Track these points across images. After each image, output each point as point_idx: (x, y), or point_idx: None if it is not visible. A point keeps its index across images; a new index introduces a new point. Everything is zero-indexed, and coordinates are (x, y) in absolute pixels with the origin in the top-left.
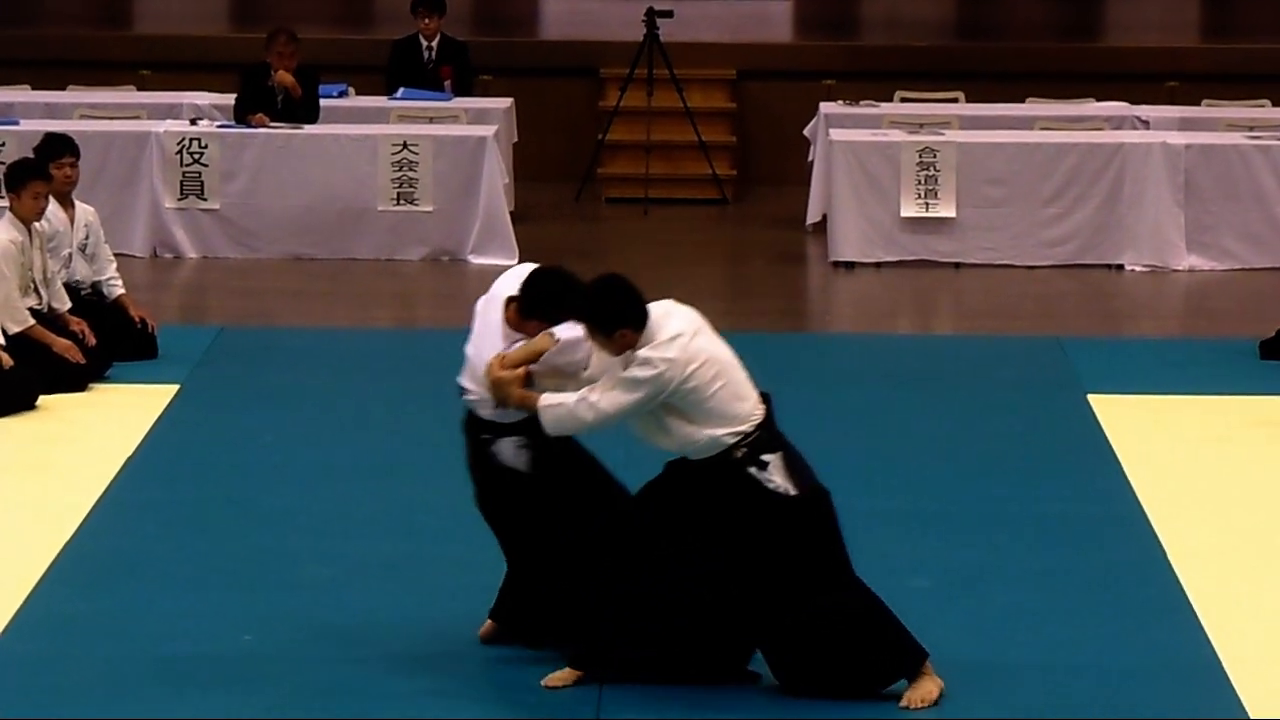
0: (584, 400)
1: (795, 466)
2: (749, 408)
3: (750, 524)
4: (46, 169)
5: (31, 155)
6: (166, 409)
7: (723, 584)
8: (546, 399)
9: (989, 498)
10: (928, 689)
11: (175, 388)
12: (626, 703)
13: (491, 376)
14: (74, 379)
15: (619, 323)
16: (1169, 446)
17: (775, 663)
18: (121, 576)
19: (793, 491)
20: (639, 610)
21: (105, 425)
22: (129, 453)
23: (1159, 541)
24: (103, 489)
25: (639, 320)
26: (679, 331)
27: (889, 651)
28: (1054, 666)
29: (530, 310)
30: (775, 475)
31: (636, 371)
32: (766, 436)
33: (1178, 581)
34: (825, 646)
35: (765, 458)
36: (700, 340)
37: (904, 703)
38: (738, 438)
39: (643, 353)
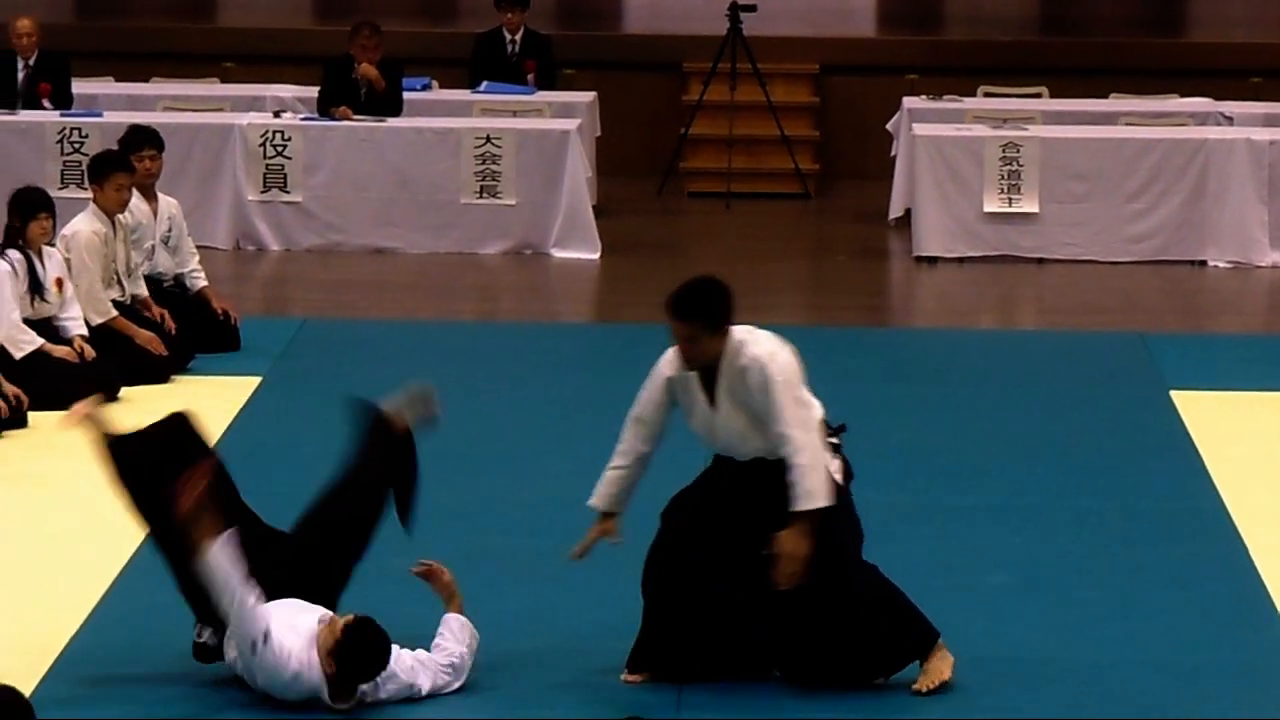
0: (790, 446)
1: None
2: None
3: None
4: (129, 161)
5: (115, 147)
6: (248, 401)
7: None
8: (795, 490)
9: (1070, 493)
10: (939, 669)
11: (257, 380)
12: (705, 703)
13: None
14: (156, 371)
15: (728, 319)
16: (1251, 443)
17: (786, 652)
18: None
19: (839, 480)
20: (698, 610)
21: None
22: (211, 444)
23: (1241, 538)
24: None
25: (733, 315)
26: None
27: (903, 634)
28: (1133, 663)
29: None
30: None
31: (780, 377)
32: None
33: (1260, 579)
34: (844, 632)
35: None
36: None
37: (919, 687)
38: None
39: (770, 364)
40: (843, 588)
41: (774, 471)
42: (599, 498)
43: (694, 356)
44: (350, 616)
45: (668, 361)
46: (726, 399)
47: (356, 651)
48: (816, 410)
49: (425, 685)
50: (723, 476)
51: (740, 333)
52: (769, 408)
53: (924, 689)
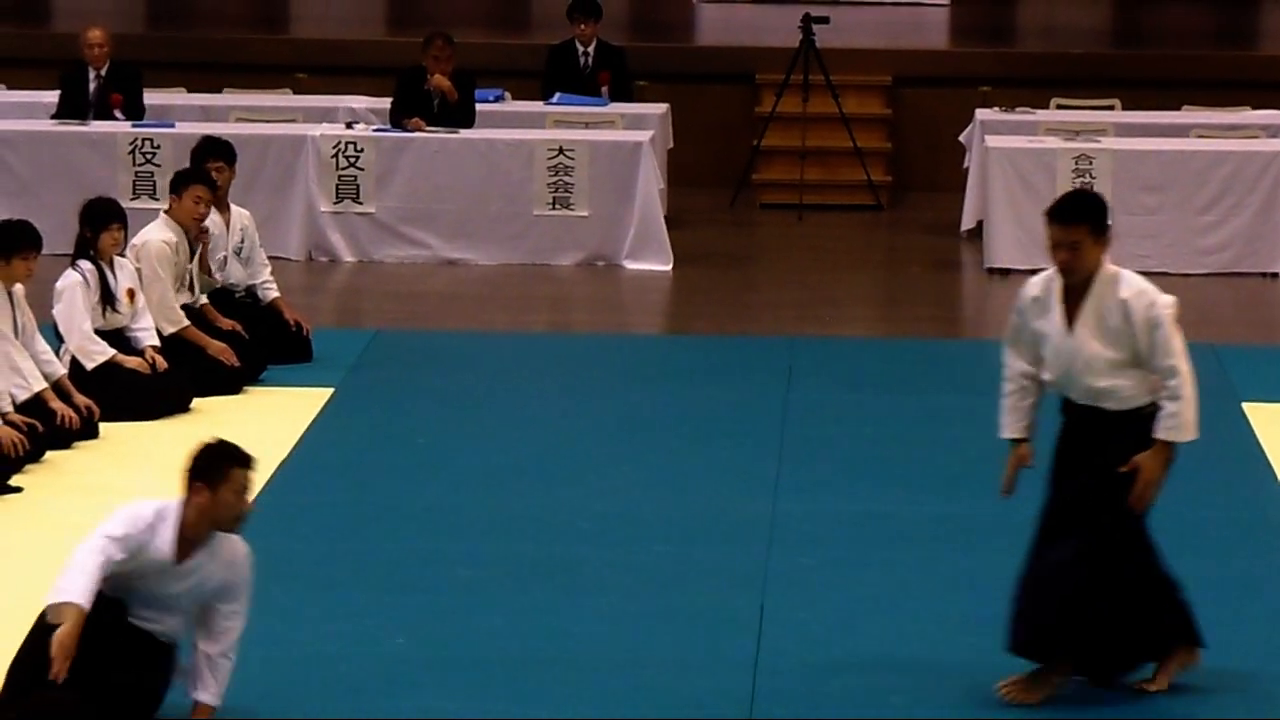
0: (1177, 379)
1: None
2: None
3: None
4: (210, 174)
5: (187, 158)
6: (321, 412)
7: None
8: (1173, 420)
9: None
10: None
11: (330, 391)
12: (780, 703)
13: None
14: (228, 381)
15: (1104, 226)
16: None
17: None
18: (276, 578)
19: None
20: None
21: (260, 428)
22: (284, 455)
23: None
24: (257, 492)
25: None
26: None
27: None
28: (1206, 673)
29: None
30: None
31: (1169, 312)
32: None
33: None
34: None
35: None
36: None
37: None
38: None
39: (1159, 299)
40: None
41: (1111, 423)
42: (1004, 427)
43: (1075, 266)
44: None
45: (1031, 283)
46: (1090, 322)
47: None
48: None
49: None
50: (1068, 453)
51: (1113, 266)
52: (1154, 342)
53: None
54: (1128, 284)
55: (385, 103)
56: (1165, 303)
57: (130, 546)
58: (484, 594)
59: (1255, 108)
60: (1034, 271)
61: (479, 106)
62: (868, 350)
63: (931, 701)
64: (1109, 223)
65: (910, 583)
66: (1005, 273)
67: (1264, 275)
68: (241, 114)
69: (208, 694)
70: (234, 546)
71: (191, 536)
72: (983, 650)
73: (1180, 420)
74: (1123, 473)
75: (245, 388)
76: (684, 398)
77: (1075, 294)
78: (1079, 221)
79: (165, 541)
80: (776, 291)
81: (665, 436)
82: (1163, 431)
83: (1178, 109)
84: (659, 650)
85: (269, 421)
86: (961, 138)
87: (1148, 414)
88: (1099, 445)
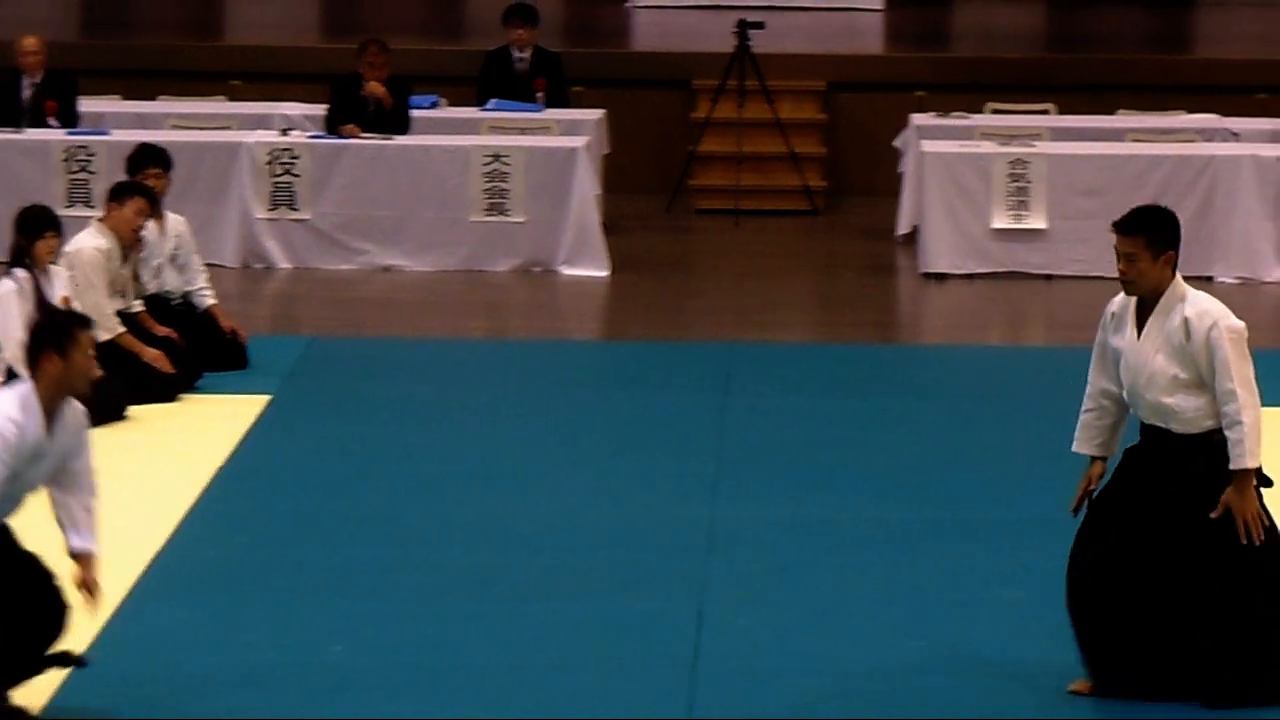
0: (1235, 404)
1: None
2: None
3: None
4: (149, 187)
5: (122, 166)
6: (257, 420)
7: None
8: (1238, 448)
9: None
10: None
11: (266, 398)
12: (719, 708)
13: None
14: (163, 389)
15: (1169, 247)
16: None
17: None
18: (213, 587)
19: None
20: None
21: (196, 436)
22: (220, 463)
23: None
24: (193, 500)
25: (1177, 258)
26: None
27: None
28: None
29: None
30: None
31: (1232, 336)
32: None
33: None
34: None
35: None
36: None
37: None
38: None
39: (1223, 321)
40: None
41: (1175, 445)
42: (1078, 442)
43: (1130, 277)
44: None
45: (1113, 300)
46: (1156, 337)
47: None
48: (1248, 368)
49: None
50: (1133, 467)
51: (1187, 286)
52: (1215, 364)
53: None
54: (1193, 303)
55: (320, 109)
56: (1229, 325)
57: (16, 449)
58: (422, 601)
59: (1190, 111)
60: (969, 277)
61: (414, 113)
62: (804, 355)
63: (871, 706)
64: (1173, 241)
65: (849, 587)
66: (941, 277)
67: (1199, 279)
68: (177, 121)
69: (87, 542)
70: (74, 406)
71: (51, 409)
72: (921, 654)
73: (1243, 448)
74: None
75: (181, 395)
76: (621, 404)
77: (1146, 309)
78: (1134, 233)
79: (36, 424)
80: (713, 297)
81: (603, 442)
82: (1231, 462)
83: (1113, 113)
84: (597, 656)
85: (205, 429)
86: (897, 142)
87: (1217, 440)
88: (1168, 473)
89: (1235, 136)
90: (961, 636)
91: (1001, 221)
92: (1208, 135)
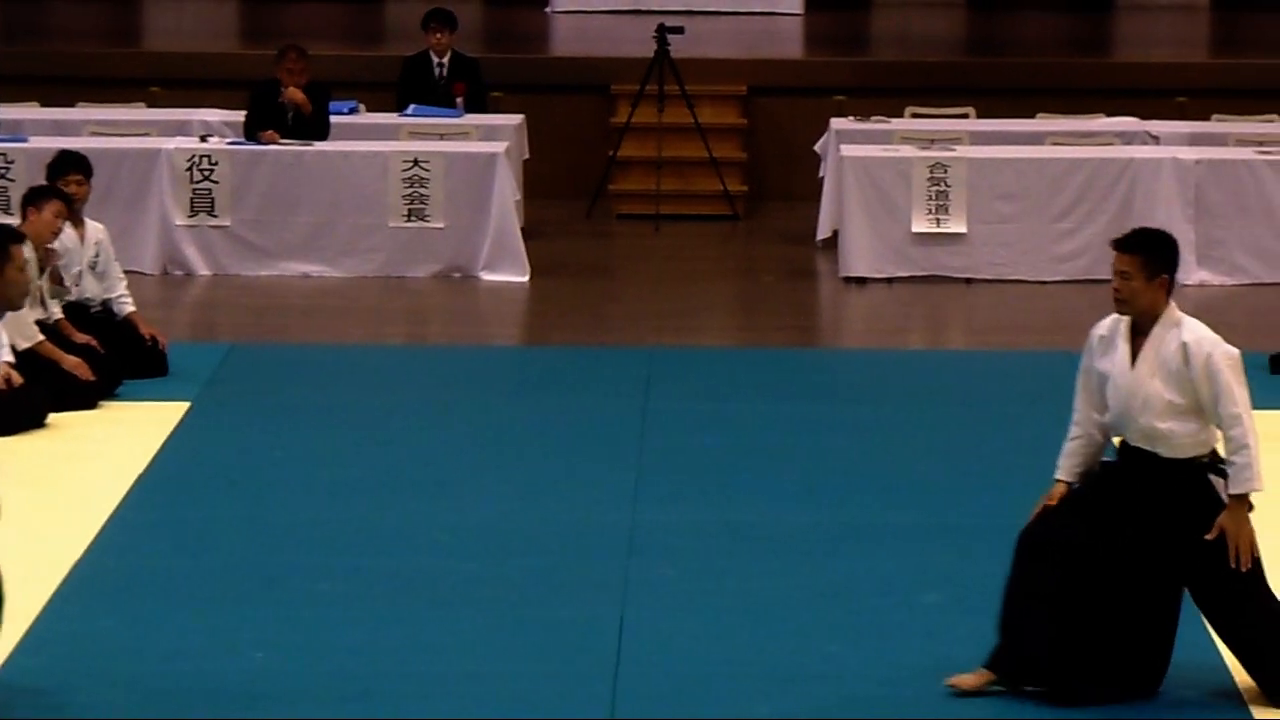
0: (1241, 428)
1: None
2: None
3: (1203, 529)
4: (65, 191)
5: (41, 172)
6: (177, 426)
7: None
8: (1245, 471)
9: (1000, 512)
10: None
11: (186, 405)
12: (641, 715)
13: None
14: (84, 396)
15: (1165, 269)
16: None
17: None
18: (132, 594)
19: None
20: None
21: (115, 443)
22: (139, 470)
23: None
24: (113, 507)
25: (1175, 275)
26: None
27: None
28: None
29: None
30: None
31: (1230, 361)
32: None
33: (1185, 592)
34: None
35: (1221, 466)
36: None
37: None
38: (1210, 450)
39: (1220, 347)
40: (1245, 609)
41: (1160, 470)
42: (1062, 470)
43: (1124, 296)
44: None
45: (1101, 324)
46: (1151, 361)
47: None
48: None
49: None
50: (1109, 483)
51: (1181, 313)
52: (1216, 390)
53: None
54: (1189, 329)
55: (239, 116)
56: (1225, 352)
57: None
58: (343, 608)
59: (1109, 115)
60: (889, 281)
61: (333, 119)
62: (725, 360)
63: (794, 710)
64: (1170, 265)
65: (771, 592)
66: (861, 281)
67: None
68: (95, 128)
69: None
70: None
71: None
72: (844, 659)
73: (1251, 471)
74: (1210, 540)
75: (101, 403)
76: (542, 409)
77: (1139, 333)
78: (1132, 252)
79: None
80: (634, 302)
81: (523, 448)
82: (1236, 485)
83: (1032, 117)
84: (519, 663)
85: (125, 436)
86: (817, 147)
87: (1199, 465)
88: (1150, 496)
89: (1155, 139)
90: (884, 641)
91: (921, 225)
92: (1127, 138)
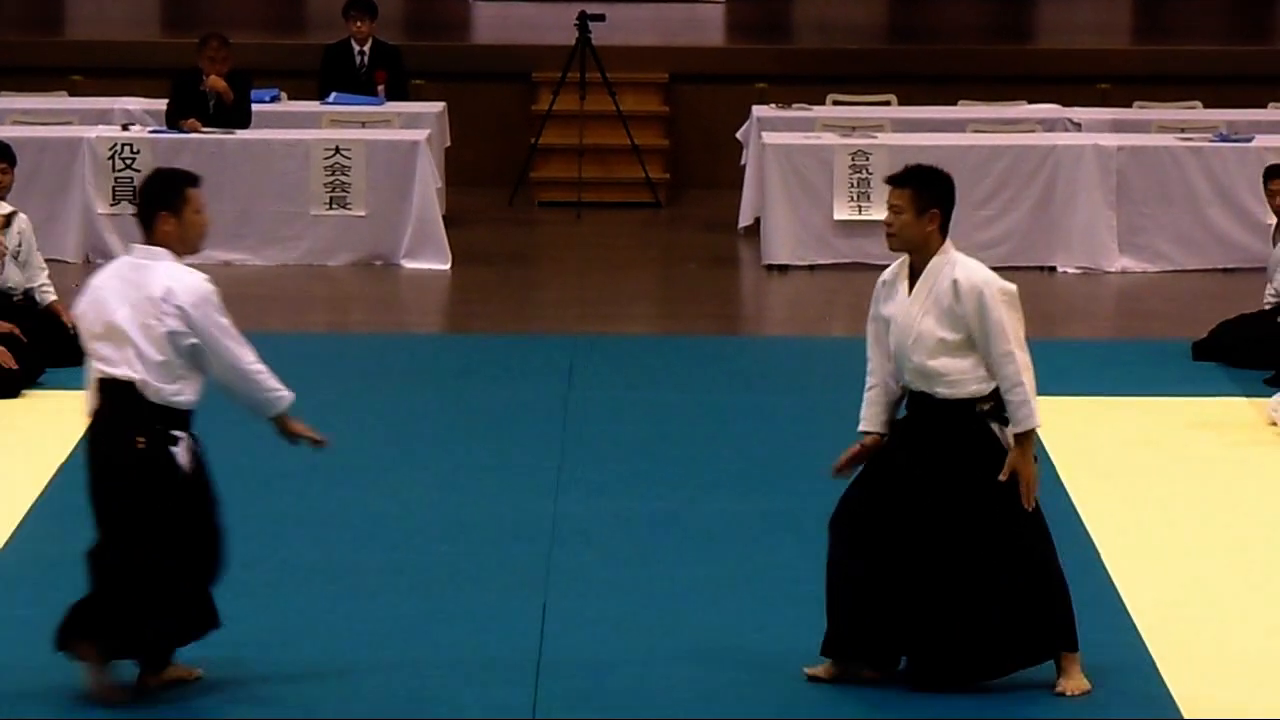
0: (1013, 365)
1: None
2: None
3: (984, 479)
4: None
5: None
6: None
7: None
8: (1023, 409)
9: None
10: (1078, 679)
11: None
12: (563, 702)
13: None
14: (5, 385)
15: (937, 204)
16: (1101, 447)
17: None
18: (56, 582)
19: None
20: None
21: (38, 431)
22: (63, 458)
23: (1092, 541)
24: (36, 494)
25: (949, 217)
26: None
27: (1042, 629)
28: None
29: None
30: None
31: (1005, 297)
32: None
33: (1110, 580)
34: (985, 622)
35: (1005, 416)
36: None
37: (1061, 690)
38: (992, 389)
39: (994, 283)
40: (997, 575)
41: (937, 415)
42: (865, 421)
43: (894, 231)
44: None
45: (887, 269)
46: (925, 299)
47: None
48: (1018, 326)
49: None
50: (900, 442)
51: (958, 253)
52: (986, 328)
53: (1066, 691)
54: (962, 266)
55: (161, 104)
56: (1001, 287)
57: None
58: (261, 596)
59: (1031, 102)
60: (811, 268)
61: (255, 107)
62: (648, 347)
63: (714, 696)
64: (940, 200)
65: (694, 579)
66: (783, 269)
67: (1041, 269)
68: (16, 117)
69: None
70: None
71: None
72: (765, 645)
73: (1029, 409)
74: (1003, 482)
75: (22, 391)
76: (463, 397)
77: (916, 273)
78: (902, 185)
79: None
80: (556, 290)
81: (445, 436)
82: (1017, 425)
83: (954, 104)
84: (440, 651)
85: (47, 424)
86: (739, 134)
87: (979, 411)
88: (933, 445)
89: (1077, 126)
90: (811, 629)
91: (843, 213)
92: (1049, 125)
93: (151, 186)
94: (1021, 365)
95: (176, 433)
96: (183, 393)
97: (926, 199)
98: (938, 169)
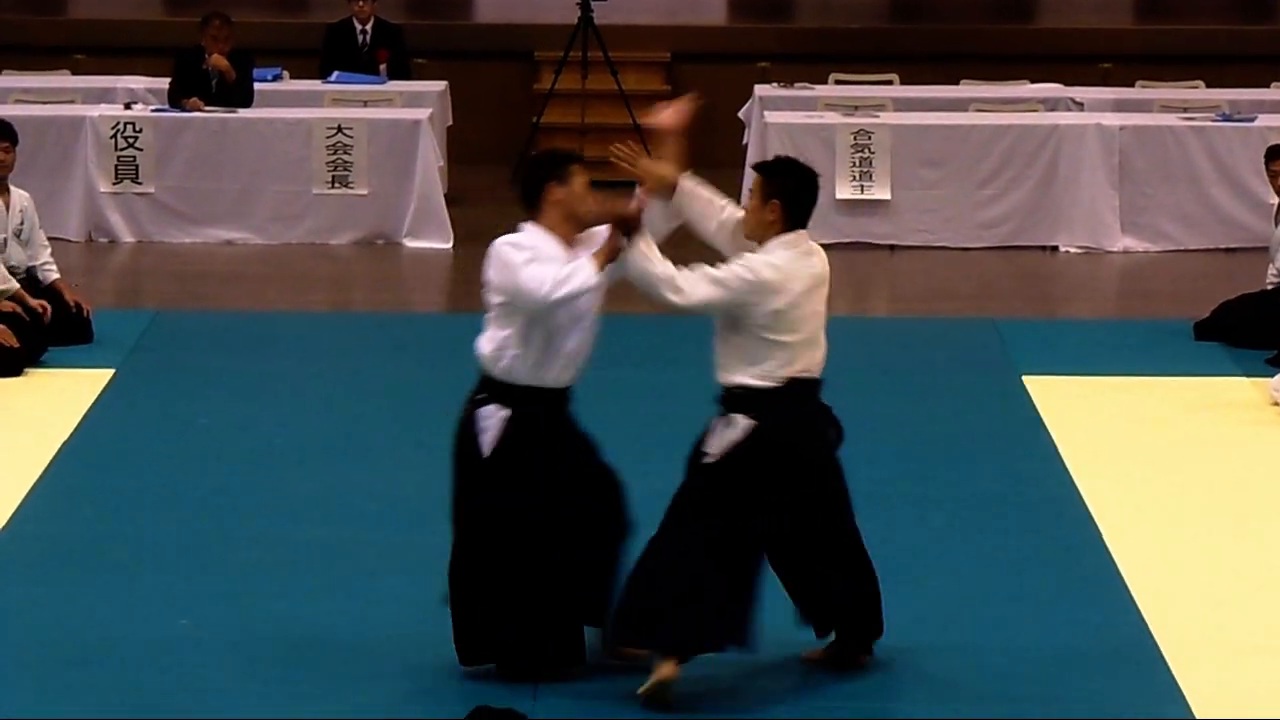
0: (672, 280)
1: (764, 434)
2: (783, 371)
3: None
4: None
5: None
6: (101, 393)
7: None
8: (642, 249)
9: (924, 480)
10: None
11: (110, 372)
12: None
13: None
14: (8, 363)
15: (781, 196)
16: (1104, 428)
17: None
18: (57, 562)
19: (712, 454)
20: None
21: (40, 410)
22: (64, 437)
23: (1094, 523)
24: (37, 474)
25: (797, 213)
26: (791, 259)
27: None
28: (990, 648)
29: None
30: (721, 434)
31: (732, 269)
32: (769, 399)
33: (1113, 562)
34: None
35: (737, 416)
36: (802, 283)
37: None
38: (745, 388)
39: (751, 256)
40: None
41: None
42: None
43: (745, 217)
44: None
45: None
46: None
47: None
48: (710, 297)
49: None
50: None
51: (778, 244)
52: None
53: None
54: (761, 252)
55: (164, 83)
56: (747, 260)
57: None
58: (268, 576)
59: (1033, 81)
60: None
61: (257, 86)
62: (648, 327)
63: (719, 674)
64: (786, 194)
65: None
66: None
67: (1043, 248)
68: (20, 95)
69: None
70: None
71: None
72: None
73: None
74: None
75: (25, 369)
76: (465, 377)
77: None
78: (759, 171)
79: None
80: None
81: (448, 415)
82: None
83: (956, 83)
84: (442, 632)
85: (49, 404)
86: (741, 114)
87: (748, 397)
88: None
89: (1079, 106)
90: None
91: (845, 192)
92: (1051, 105)
93: (536, 164)
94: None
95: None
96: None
97: (770, 189)
98: (799, 165)
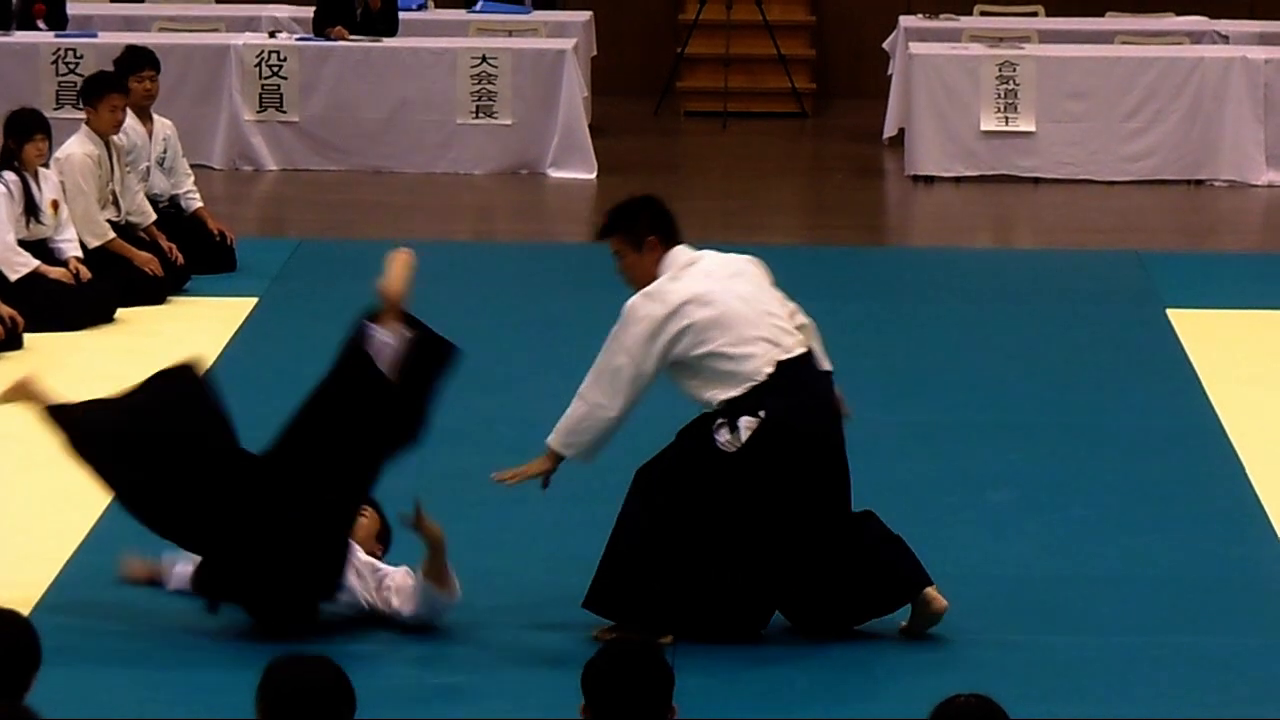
0: (591, 406)
1: (776, 423)
2: (750, 368)
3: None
4: (124, 82)
5: (110, 68)
6: (245, 322)
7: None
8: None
9: (1068, 411)
10: (929, 612)
11: (253, 300)
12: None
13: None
14: (152, 292)
15: (652, 229)
16: (1247, 361)
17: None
18: None
19: (731, 448)
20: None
21: (183, 338)
22: (207, 365)
23: (1237, 455)
24: None
25: (669, 229)
26: (681, 268)
27: (893, 577)
28: (1131, 579)
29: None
30: (727, 434)
31: (627, 310)
32: (756, 397)
33: (1255, 493)
34: (839, 576)
35: (741, 421)
36: (715, 280)
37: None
38: (723, 404)
39: (636, 298)
40: (841, 534)
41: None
42: None
43: (626, 277)
44: None
45: None
46: None
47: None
48: (619, 349)
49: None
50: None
51: (677, 268)
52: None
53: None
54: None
55: (308, 12)
56: (629, 304)
57: None
58: (407, 504)
59: (1179, 14)
60: (957, 180)
61: (402, 15)
62: (792, 257)
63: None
64: (653, 225)
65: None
66: (929, 180)
67: (1188, 182)
68: (164, 24)
69: None
70: None
71: None
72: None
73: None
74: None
75: (169, 298)
76: (609, 306)
77: None
78: (611, 234)
79: None
80: (701, 199)
81: (589, 344)
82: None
83: (1101, 15)
84: (583, 560)
85: (193, 331)
86: (885, 45)
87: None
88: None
89: (1224, 39)
90: (951, 539)
91: (989, 124)
92: (1196, 37)
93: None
94: (583, 387)
95: None
96: None
97: (635, 234)
98: (632, 199)
